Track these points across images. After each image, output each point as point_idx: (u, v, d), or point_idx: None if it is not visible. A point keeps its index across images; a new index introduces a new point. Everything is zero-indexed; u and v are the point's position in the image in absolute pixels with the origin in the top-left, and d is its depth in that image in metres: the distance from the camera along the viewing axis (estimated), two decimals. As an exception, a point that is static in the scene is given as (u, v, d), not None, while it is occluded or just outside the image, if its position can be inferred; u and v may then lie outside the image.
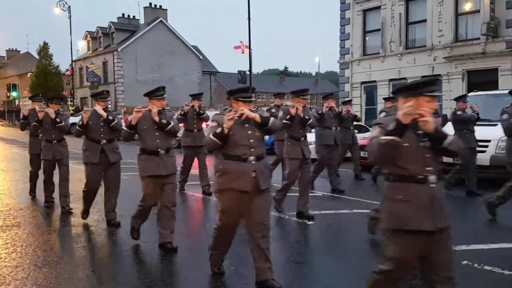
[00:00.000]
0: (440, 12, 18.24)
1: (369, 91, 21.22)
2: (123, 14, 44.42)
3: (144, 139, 5.09)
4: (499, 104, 9.87)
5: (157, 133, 5.06)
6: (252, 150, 3.93)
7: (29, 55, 56.71)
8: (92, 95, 6.59)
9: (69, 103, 42.74)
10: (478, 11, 17.07)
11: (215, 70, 49.73)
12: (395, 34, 19.78)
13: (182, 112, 8.79)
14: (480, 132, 8.77)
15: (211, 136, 3.93)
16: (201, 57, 44.69)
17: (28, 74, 44.84)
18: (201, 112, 8.86)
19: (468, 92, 13.24)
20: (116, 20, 43.77)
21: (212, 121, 4.06)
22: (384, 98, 12.02)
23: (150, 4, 42.72)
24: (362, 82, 21.14)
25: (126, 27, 42.94)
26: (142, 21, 43.74)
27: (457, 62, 17.76)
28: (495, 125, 9.09)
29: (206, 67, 46.61)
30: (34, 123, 7.37)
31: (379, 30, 20.47)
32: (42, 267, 4.62)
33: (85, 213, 6.49)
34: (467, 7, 17.80)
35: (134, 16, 44.88)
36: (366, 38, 21.46)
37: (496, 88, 15.00)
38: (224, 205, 4.00)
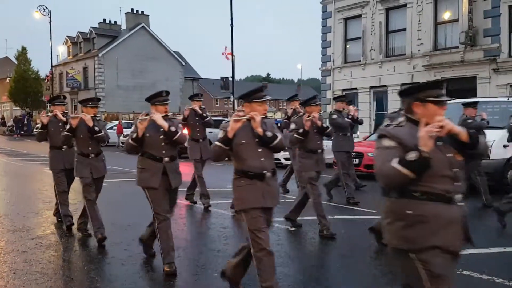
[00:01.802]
0: (419, 21, 18.60)
1: (351, 98, 21.44)
2: (104, 20, 44.12)
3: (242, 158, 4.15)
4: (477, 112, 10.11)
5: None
6: (90, 148, 3.91)
7: (7, 60, 55.73)
8: (149, 97, 4.88)
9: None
10: (457, 20, 17.46)
11: (197, 76, 49.67)
12: (376, 42, 20.09)
13: (183, 117, 7.77)
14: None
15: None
16: (183, 63, 44.60)
17: (7, 79, 44.08)
18: (204, 114, 7.79)
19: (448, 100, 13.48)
20: (97, 25, 43.43)
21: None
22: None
23: (132, 9, 42.53)
24: (344, 89, 21.36)
25: (107, 32, 42.62)
26: (123, 27, 43.49)
27: (436, 70, 18.11)
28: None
29: (189, 73, 46.53)
30: (66, 132, 5.74)
31: (360, 38, 20.76)
32: (22, 275, 4.54)
33: (170, 266, 4.56)
34: (446, 16, 18.19)
35: (115, 22, 44.61)
36: (347, 46, 21.74)
37: (474, 96, 15.34)
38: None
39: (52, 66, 40.58)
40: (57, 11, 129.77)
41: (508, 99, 10.75)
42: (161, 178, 4.53)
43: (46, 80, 41.40)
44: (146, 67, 40.91)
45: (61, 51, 46.63)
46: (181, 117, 7.97)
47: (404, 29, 19.27)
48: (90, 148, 5.70)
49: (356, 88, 20.91)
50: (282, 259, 5.09)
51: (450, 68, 17.66)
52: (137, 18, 42.15)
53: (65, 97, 6.69)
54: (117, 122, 26.97)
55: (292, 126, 6.21)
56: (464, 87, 16.87)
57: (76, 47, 43.51)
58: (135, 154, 4.74)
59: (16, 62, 42.94)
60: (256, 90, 3.78)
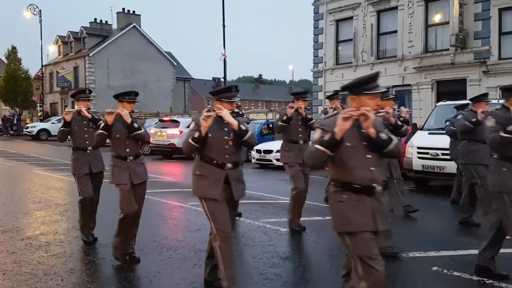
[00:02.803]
0: (410, 24, 18.73)
1: (342, 99, 21.49)
2: (95, 19, 43.90)
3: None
4: (466, 114, 10.20)
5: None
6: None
7: (-3, 59, 55.18)
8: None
9: (38, 108, 41.75)
10: (447, 22, 17.62)
11: (189, 76, 49.55)
12: (367, 44, 20.19)
13: (285, 117, 6.29)
14: (448, 140, 9.02)
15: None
16: (175, 64, 44.49)
17: (-3, 78, 43.59)
18: (308, 117, 6.48)
19: (437, 102, 13.59)
20: (88, 25, 43.17)
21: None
22: (327, 97, 9.73)
23: (123, 9, 42.37)
24: (335, 91, 21.38)
25: (98, 32, 42.41)
26: (114, 26, 43.30)
27: (426, 72, 18.25)
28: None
29: (180, 74, 46.41)
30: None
31: (351, 40, 20.86)
32: (12, 276, 4.50)
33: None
34: (437, 18, 18.34)
35: (106, 21, 44.41)
36: (339, 48, 21.83)
37: (465, 98, 15.43)
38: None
39: (42, 66, 40.25)
40: (48, 10, 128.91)
41: (498, 101, 10.86)
42: (222, 187, 3.84)
43: (33, 78, 41.01)
44: (137, 67, 40.75)
45: (52, 51, 46.38)
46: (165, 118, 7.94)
47: (395, 31, 19.40)
48: (128, 150, 4.90)
49: (347, 90, 20.97)
50: (273, 259, 5.10)
51: (440, 70, 17.81)
52: (128, 18, 41.98)
53: (90, 91, 5.96)
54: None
55: (276, 116, 6.49)
56: (454, 89, 17.02)
57: (66, 46, 43.23)
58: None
59: (6, 62, 42.51)
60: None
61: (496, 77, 16.51)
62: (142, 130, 4.91)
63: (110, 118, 4.81)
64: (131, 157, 4.92)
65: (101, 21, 44.08)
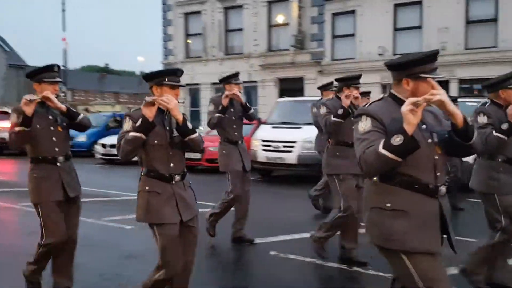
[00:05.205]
0: (255, 23, 19.63)
1: (194, 93, 21.65)
2: None
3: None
4: (303, 110, 11.13)
5: (54, 138, 3.63)
6: (56, 149, 3.57)
7: None
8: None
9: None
10: (288, 24, 18.90)
11: (24, 63, 44.59)
12: (216, 40, 20.60)
13: (341, 111, 4.54)
14: (287, 133, 9.72)
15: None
16: (7, 49, 39.67)
17: None
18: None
19: (279, 98, 14.53)
20: None
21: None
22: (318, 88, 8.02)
23: None
24: (187, 84, 21.46)
25: None
26: None
27: (270, 70, 19.36)
28: (301, 127, 10.22)
29: (14, 60, 41.53)
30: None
31: (201, 34, 21.04)
32: None
33: None
34: (279, 19, 19.54)
35: None
36: (189, 41, 21.85)
37: (302, 95, 16.82)
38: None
39: None
40: None
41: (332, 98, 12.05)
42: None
43: None
44: (-42, 50, 35.33)
45: None
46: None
47: (242, 29, 20.14)
48: (236, 134, 5.32)
49: (199, 84, 21.16)
50: (115, 259, 4.88)
51: (282, 69, 19.05)
52: None
53: (59, 67, 3.78)
54: None
55: (211, 107, 5.27)
56: (294, 87, 18.36)
57: None
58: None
59: None
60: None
61: (330, 76, 18.20)
62: (252, 110, 5.23)
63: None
64: (239, 141, 5.27)
65: None
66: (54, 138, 3.60)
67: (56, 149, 3.60)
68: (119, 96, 61.98)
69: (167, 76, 3.02)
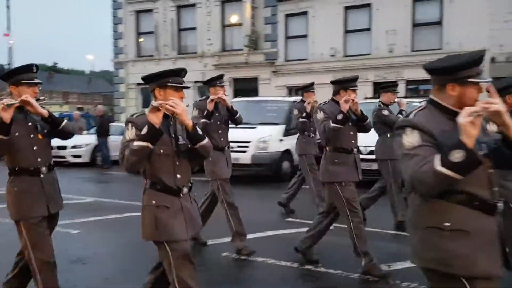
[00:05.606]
0: (208, 22, 19.51)
1: (146, 93, 21.24)
2: None
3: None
4: (257, 110, 11.19)
5: (35, 147, 3.30)
6: (39, 159, 3.25)
7: None
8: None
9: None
10: (241, 24, 18.91)
11: (-36, 61, 42.27)
12: (168, 38, 20.31)
13: (341, 115, 4.28)
14: (242, 134, 9.71)
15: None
16: None
17: None
18: (365, 115, 4.58)
19: (234, 98, 14.52)
20: None
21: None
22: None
23: None
24: (139, 84, 21.04)
25: None
26: None
27: (224, 70, 19.24)
28: (255, 127, 10.27)
29: (-48, 57, 39.29)
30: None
31: (152, 33, 20.67)
32: None
33: None
34: (233, 19, 19.52)
35: None
36: (140, 40, 21.42)
37: (256, 95, 16.89)
38: None
39: None
40: None
41: (283, 99, 12.19)
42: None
43: None
44: None
45: None
46: None
47: (195, 28, 19.96)
48: (222, 139, 5.09)
49: (150, 83, 20.76)
50: (61, 265, 4.69)
51: (236, 69, 19.04)
52: None
53: (38, 68, 3.42)
54: None
55: (195, 112, 5.02)
56: (248, 87, 18.41)
57: None
58: None
59: None
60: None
61: (283, 76, 18.44)
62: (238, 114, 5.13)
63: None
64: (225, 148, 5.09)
65: None
66: (35, 147, 3.27)
67: (39, 159, 3.28)
68: (68, 96, 59.89)
69: (170, 77, 2.77)
